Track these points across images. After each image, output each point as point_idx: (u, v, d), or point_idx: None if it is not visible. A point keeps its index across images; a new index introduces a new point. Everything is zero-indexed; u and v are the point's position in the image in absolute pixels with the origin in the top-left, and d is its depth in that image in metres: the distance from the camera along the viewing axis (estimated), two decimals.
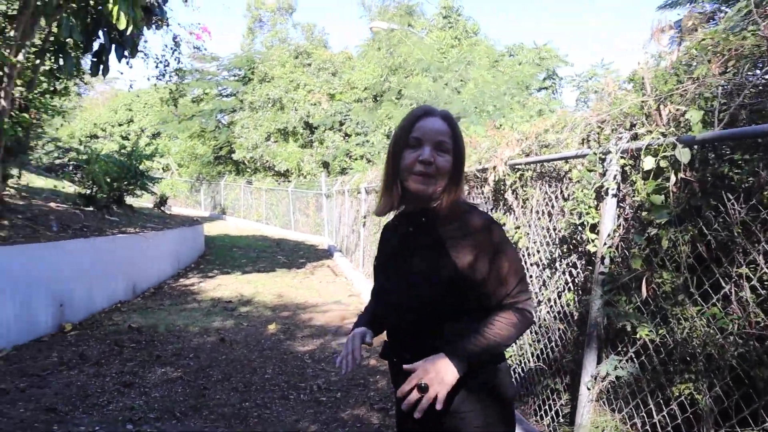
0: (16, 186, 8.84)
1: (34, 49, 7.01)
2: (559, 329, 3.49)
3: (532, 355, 3.80)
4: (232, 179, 24.23)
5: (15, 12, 6.64)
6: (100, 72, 7.43)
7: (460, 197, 1.60)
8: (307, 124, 21.64)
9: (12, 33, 6.49)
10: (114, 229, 8.90)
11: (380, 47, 17.91)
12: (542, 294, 3.73)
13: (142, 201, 16.02)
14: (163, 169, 24.42)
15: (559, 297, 3.51)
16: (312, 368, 5.11)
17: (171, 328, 6.32)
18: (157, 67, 9.12)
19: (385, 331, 1.76)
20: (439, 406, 1.41)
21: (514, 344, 4.04)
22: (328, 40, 26.53)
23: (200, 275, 10.41)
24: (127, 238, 8.54)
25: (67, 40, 6.59)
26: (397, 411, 1.75)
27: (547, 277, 3.71)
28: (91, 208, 10.39)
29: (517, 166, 4.10)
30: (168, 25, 7.81)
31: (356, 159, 19.19)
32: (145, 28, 7.77)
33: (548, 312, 3.65)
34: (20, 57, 6.61)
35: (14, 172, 7.82)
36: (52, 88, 8.32)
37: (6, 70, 6.56)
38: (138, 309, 7.42)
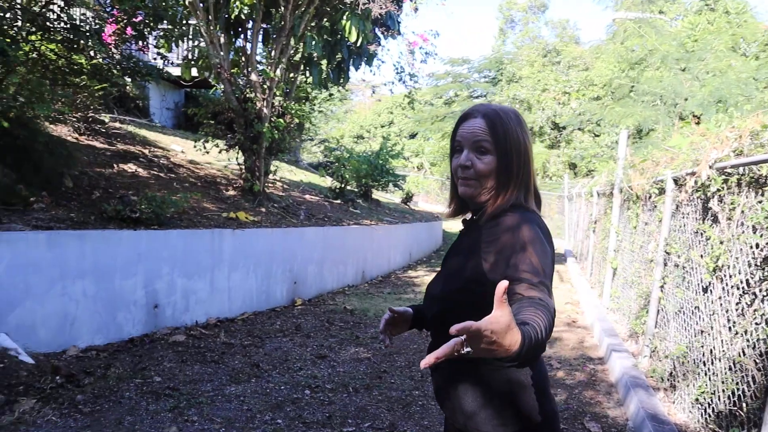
0: (277, 179, 10.46)
1: (287, 65, 8.21)
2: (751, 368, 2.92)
3: (723, 393, 3.23)
4: None
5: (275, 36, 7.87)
6: (341, 81, 8.40)
7: (510, 199, 1.47)
8: (555, 123, 20.96)
9: (272, 53, 7.72)
10: (352, 221, 9.94)
11: (623, 40, 16.36)
12: (739, 324, 3.15)
13: (394, 196, 17.44)
14: (417, 167, 26.09)
15: (756, 330, 2.93)
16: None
17: (379, 313, 6.86)
18: (398, 74, 9.86)
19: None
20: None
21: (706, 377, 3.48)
22: (579, 36, 25.24)
23: (428, 268, 10.97)
24: (359, 229, 9.46)
25: (312, 55, 7.58)
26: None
27: (746, 304, 3.12)
28: (338, 201, 11.76)
29: (727, 170, 3.50)
30: (400, 34, 8.41)
31: (603, 160, 17.96)
32: (382, 38, 8.51)
33: (745, 347, 3.07)
34: (278, 72, 7.84)
35: (273, 167, 9.25)
36: (304, 96, 9.62)
37: (268, 83, 7.86)
38: (360, 294, 8.19)
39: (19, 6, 5.20)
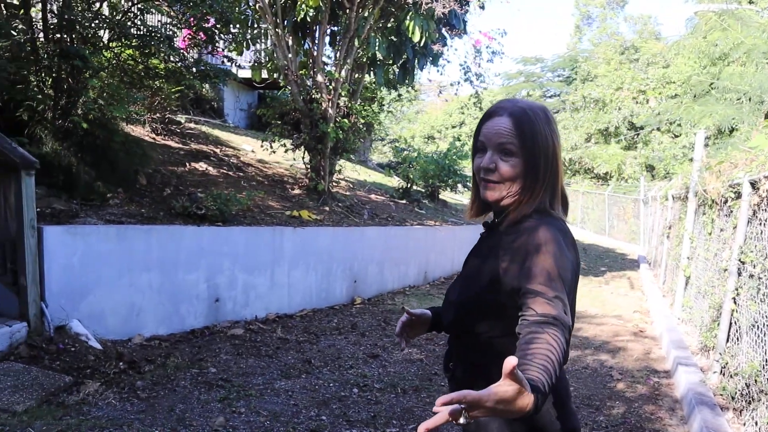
0: (342, 179, 10.59)
1: (353, 66, 8.30)
2: None
3: None
4: None
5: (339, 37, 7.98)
6: (407, 81, 8.41)
7: (534, 204, 1.37)
8: (632, 124, 20.09)
9: (336, 54, 7.84)
10: (416, 221, 9.93)
11: (705, 34, 15.33)
12: None
13: (463, 197, 17.26)
14: None
15: None
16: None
17: None
18: (466, 74, 9.76)
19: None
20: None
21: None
22: (660, 31, 24.01)
23: None
24: (423, 229, 9.44)
25: (376, 55, 7.64)
26: None
27: None
28: (404, 201, 11.77)
29: None
30: (466, 33, 8.32)
31: (681, 162, 17.02)
32: (447, 37, 8.45)
33: None
34: (342, 73, 7.95)
35: (338, 167, 9.38)
36: (371, 97, 9.70)
37: (333, 84, 7.99)
38: (420, 295, 8.17)
39: (102, 16, 5.54)
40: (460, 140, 15.19)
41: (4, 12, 5.61)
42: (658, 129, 19.43)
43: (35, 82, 5.23)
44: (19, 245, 3.91)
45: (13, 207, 3.91)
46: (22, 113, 5.06)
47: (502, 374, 0.98)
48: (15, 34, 5.10)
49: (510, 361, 0.96)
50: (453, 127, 30.49)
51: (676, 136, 19.08)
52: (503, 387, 0.98)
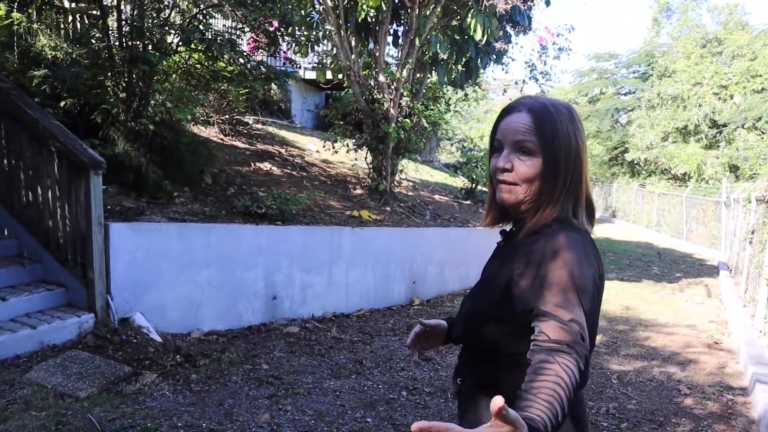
0: (405, 179, 10.57)
1: (414, 66, 8.26)
2: None
3: None
4: (625, 181, 23.17)
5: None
6: (470, 80, 8.29)
7: (555, 212, 1.26)
8: (713, 121, 18.92)
9: (398, 53, 7.83)
10: (479, 222, 9.77)
11: None
12: None
13: None
14: None
15: None
16: (614, 390, 4.71)
17: None
18: (532, 72, 9.53)
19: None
20: None
21: None
22: (747, 21, 22.40)
23: None
24: (484, 230, 9.24)
25: (438, 54, 7.57)
26: None
27: None
28: (468, 202, 11.62)
29: None
30: (531, 30, 8.10)
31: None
32: (512, 34, 8.26)
33: None
34: (404, 73, 7.93)
35: (400, 167, 9.37)
36: (435, 97, 9.63)
37: (394, 84, 7.99)
38: None
39: (170, 23, 5.79)
40: None
41: (86, 22, 5.97)
42: (743, 126, 18.19)
43: (110, 87, 5.52)
44: (87, 241, 4.14)
45: (83, 204, 4.14)
46: (97, 116, 5.35)
47: (491, 414, 0.90)
48: (93, 42, 5.41)
49: (496, 402, 0.88)
50: None
51: (764, 134, 17.80)
52: (493, 429, 0.91)
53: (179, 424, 3.18)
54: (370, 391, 4.02)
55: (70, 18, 5.91)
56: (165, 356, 4.09)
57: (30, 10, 5.17)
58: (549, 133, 1.26)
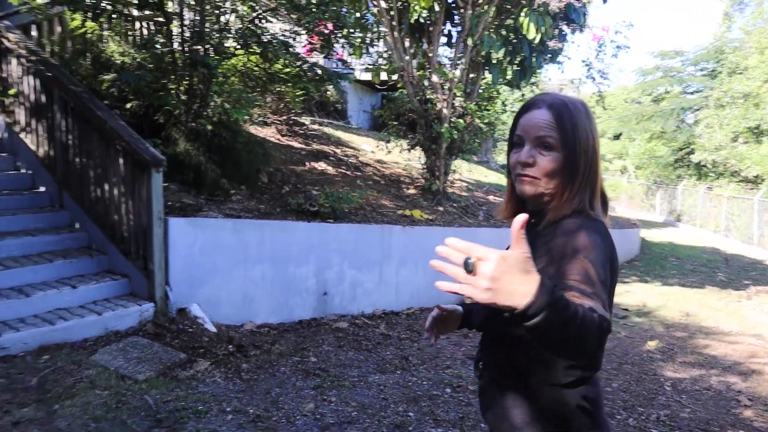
0: (459, 179, 10.55)
1: (468, 66, 8.25)
2: None
3: None
4: (691, 184, 22.20)
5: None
6: (524, 80, 8.21)
7: (573, 203, 1.32)
8: None
9: (451, 53, 7.85)
10: None
11: None
12: None
13: None
14: (620, 171, 24.28)
15: None
16: (667, 397, 4.57)
17: None
18: (588, 71, 9.33)
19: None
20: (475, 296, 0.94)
21: None
22: None
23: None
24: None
25: (491, 54, 7.53)
26: None
27: None
28: None
29: None
30: (588, 27, 7.93)
31: None
32: (569, 32, 8.12)
33: None
34: (457, 73, 7.94)
35: (453, 167, 9.36)
36: (491, 97, 9.57)
37: (448, 84, 8.00)
38: None
39: (228, 27, 6.03)
40: None
41: (152, 28, 6.30)
42: None
43: (172, 89, 5.81)
44: (148, 234, 4.38)
45: (145, 200, 4.39)
46: (160, 117, 5.64)
47: (511, 232, 0.95)
48: (158, 47, 5.71)
49: (520, 216, 0.95)
50: None
51: None
52: (512, 248, 0.95)
53: (228, 409, 3.33)
54: (414, 387, 4.08)
55: (138, 25, 6.25)
56: (218, 346, 4.28)
57: (102, 20, 5.51)
58: (569, 129, 1.31)
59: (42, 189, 5.42)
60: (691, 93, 22.94)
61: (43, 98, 5.31)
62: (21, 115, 5.71)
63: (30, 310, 4.03)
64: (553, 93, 1.42)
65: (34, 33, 6.05)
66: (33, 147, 5.53)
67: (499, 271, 0.91)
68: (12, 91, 5.75)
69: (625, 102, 26.13)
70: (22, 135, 5.67)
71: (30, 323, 3.90)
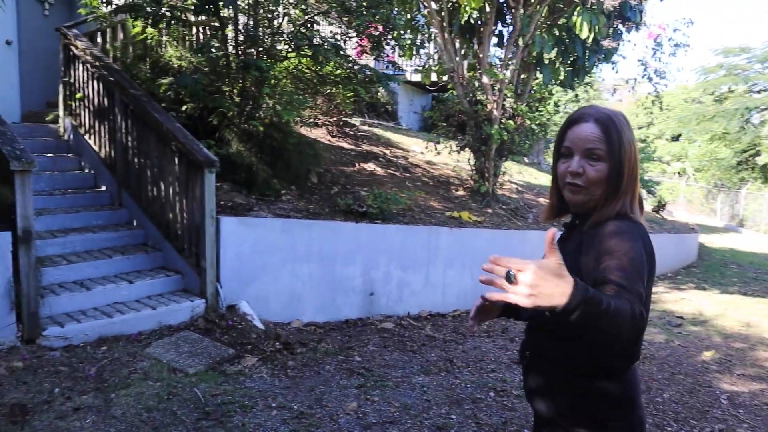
0: (509, 181, 10.42)
1: (519, 66, 8.14)
2: None
3: None
4: (756, 187, 21.14)
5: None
6: (576, 80, 8.03)
7: (617, 207, 1.45)
8: None
9: (501, 53, 7.77)
10: None
11: None
12: None
13: (648, 204, 16.03)
14: (678, 173, 23.37)
15: None
16: (723, 411, 4.39)
17: None
18: (645, 70, 9.04)
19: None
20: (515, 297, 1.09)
21: None
22: None
23: (670, 284, 9.85)
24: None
25: (542, 54, 7.41)
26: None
27: None
28: None
29: None
30: (645, 26, 7.68)
31: None
32: (624, 31, 7.90)
33: None
34: (507, 73, 7.85)
35: (503, 169, 9.25)
36: (542, 98, 9.41)
37: (498, 85, 7.93)
38: None
39: (280, 30, 6.17)
40: (645, 141, 14.06)
41: (207, 33, 6.51)
42: None
43: (226, 91, 5.98)
44: (201, 232, 4.53)
45: (198, 199, 4.54)
46: (214, 118, 5.82)
47: (545, 242, 1.11)
48: (213, 51, 5.89)
49: (551, 231, 1.12)
50: (640, 128, 28.16)
51: None
52: (546, 258, 1.10)
53: (273, 405, 3.41)
54: (458, 390, 4.06)
55: (194, 30, 6.46)
56: (266, 342, 4.38)
57: (161, 26, 5.74)
58: (615, 141, 1.45)
59: (103, 188, 5.70)
60: (758, 92, 21.77)
61: (106, 101, 5.58)
62: (85, 117, 6.01)
63: (90, 303, 4.24)
64: (596, 106, 1.55)
65: (99, 40, 6.37)
66: (96, 148, 5.81)
67: (537, 278, 1.05)
68: (78, 95, 6.06)
69: (685, 102, 25.13)
70: (87, 136, 5.97)
71: (90, 315, 4.11)
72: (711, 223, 21.22)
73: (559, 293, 1.06)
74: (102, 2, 6.29)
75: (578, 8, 6.59)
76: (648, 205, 15.90)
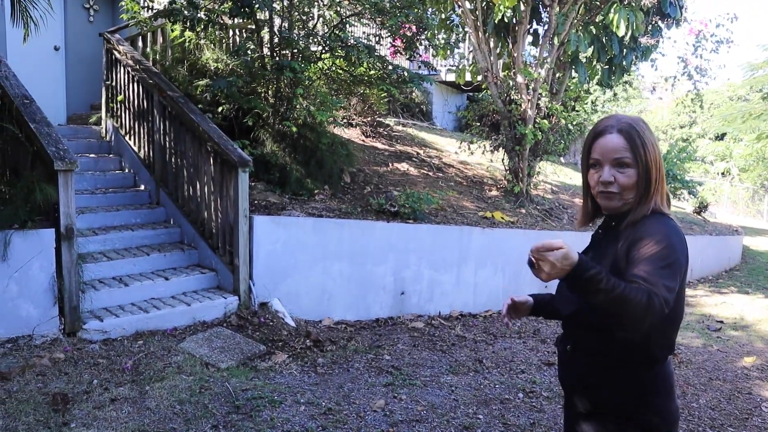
0: (544, 181, 10.29)
1: (554, 65, 8.04)
2: None
3: None
4: None
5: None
6: (612, 79, 7.89)
7: (650, 206, 1.57)
8: None
9: (536, 52, 7.68)
10: None
11: None
12: None
13: (688, 204, 15.60)
14: (722, 173, 22.62)
15: None
16: (763, 418, 4.25)
17: None
18: (685, 67, 8.81)
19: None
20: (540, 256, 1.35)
21: None
22: None
23: (711, 288, 9.57)
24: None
25: (578, 53, 7.30)
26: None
27: None
28: None
29: None
30: (686, 21, 7.48)
31: None
32: (664, 28, 7.71)
33: None
34: (542, 73, 7.76)
35: (538, 169, 9.14)
36: (579, 97, 9.26)
37: (532, 84, 7.85)
38: None
39: (314, 32, 6.25)
40: (686, 141, 13.67)
41: (243, 36, 6.64)
42: None
43: (261, 93, 6.09)
44: (234, 231, 4.64)
45: (232, 198, 4.64)
46: (249, 119, 5.94)
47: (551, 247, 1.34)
48: (249, 53, 6.01)
49: (558, 242, 1.33)
50: (681, 127, 27.38)
51: None
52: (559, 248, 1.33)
53: (301, 400, 3.47)
54: (486, 390, 4.05)
55: (230, 33, 6.60)
56: (296, 339, 4.45)
57: (198, 29, 5.88)
58: (640, 148, 1.56)
59: (142, 187, 5.88)
60: None
61: (145, 103, 5.76)
62: (126, 119, 6.21)
63: (128, 298, 4.39)
64: (616, 115, 1.65)
65: (139, 44, 6.57)
66: (135, 148, 6.00)
67: (551, 262, 1.32)
68: (120, 98, 6.26)
69: (730, 100, 24.31)
70: (127, 137, 6.16)
71: (128, 310, 4.25)
72: (757, 225, 20.46)
73: (568, 265, 1.32)
74: (142, 7, 6.49)
75: (615, 5, 6.46)
76: (689, 206, 15.48)
